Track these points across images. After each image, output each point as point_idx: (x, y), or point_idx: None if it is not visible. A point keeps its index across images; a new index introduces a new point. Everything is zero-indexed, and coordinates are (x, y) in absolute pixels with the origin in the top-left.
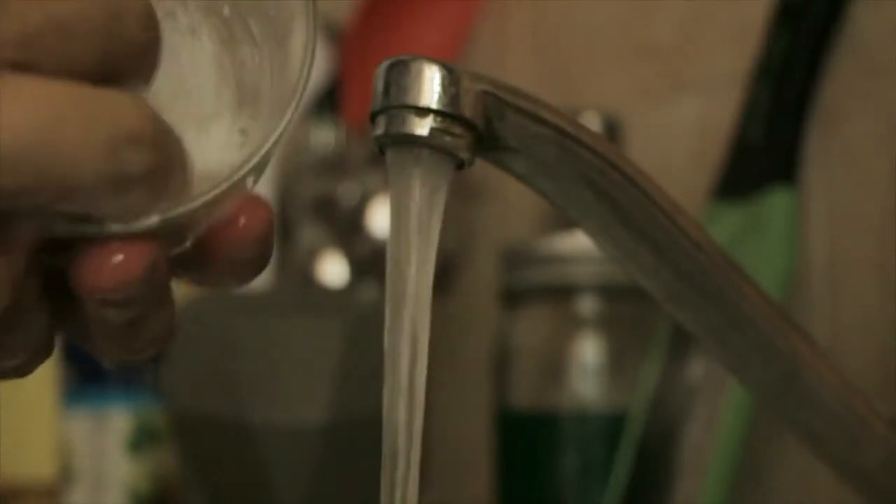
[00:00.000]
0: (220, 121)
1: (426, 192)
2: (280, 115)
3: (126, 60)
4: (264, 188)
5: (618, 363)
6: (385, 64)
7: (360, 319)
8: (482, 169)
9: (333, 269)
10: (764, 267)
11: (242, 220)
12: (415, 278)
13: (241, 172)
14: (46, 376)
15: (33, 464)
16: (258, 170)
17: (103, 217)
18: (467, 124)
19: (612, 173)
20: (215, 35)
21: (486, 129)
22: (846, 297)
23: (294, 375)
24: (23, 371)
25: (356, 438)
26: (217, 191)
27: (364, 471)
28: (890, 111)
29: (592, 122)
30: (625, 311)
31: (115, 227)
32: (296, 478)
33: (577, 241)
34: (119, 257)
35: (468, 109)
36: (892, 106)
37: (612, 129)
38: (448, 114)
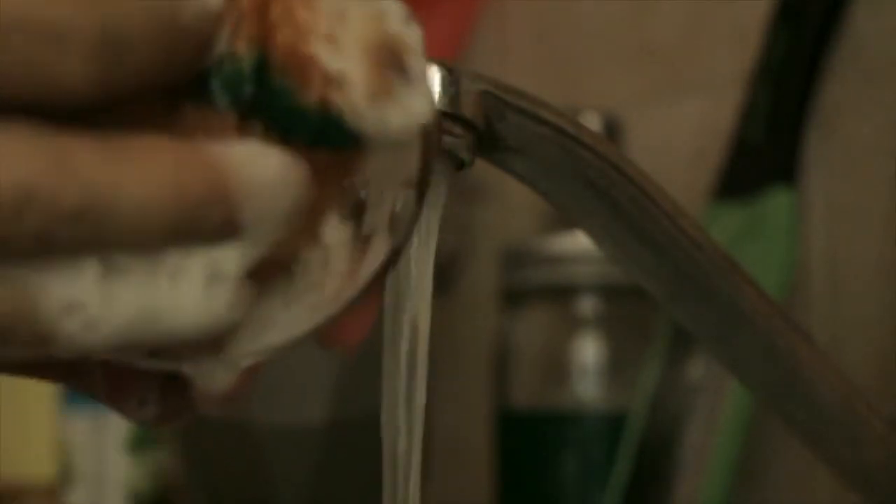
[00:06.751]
0: None
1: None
2: None
3: None
4: None
5: (618, 363)
6: None
7: None
8: (482, 169)
9: None
10: (764, 267)
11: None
12: (415, 278)
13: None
14: None
15: (33, 464)
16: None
17: None
18: (467, 124)
19: (612, 173)
20: None
21: (486, 129)
22: (846, 297)
23: (294, 375)
24: None
25: (356, 438)
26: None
27: (364, 471)
28: (890, 112)
29: (592, 122)
30: (625, 311)
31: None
32: (296, 478)
33: (577, 241)
34: None
35: (468, 109)
36: (891, 107)
37: (612, 129)
38: (448, 114)
